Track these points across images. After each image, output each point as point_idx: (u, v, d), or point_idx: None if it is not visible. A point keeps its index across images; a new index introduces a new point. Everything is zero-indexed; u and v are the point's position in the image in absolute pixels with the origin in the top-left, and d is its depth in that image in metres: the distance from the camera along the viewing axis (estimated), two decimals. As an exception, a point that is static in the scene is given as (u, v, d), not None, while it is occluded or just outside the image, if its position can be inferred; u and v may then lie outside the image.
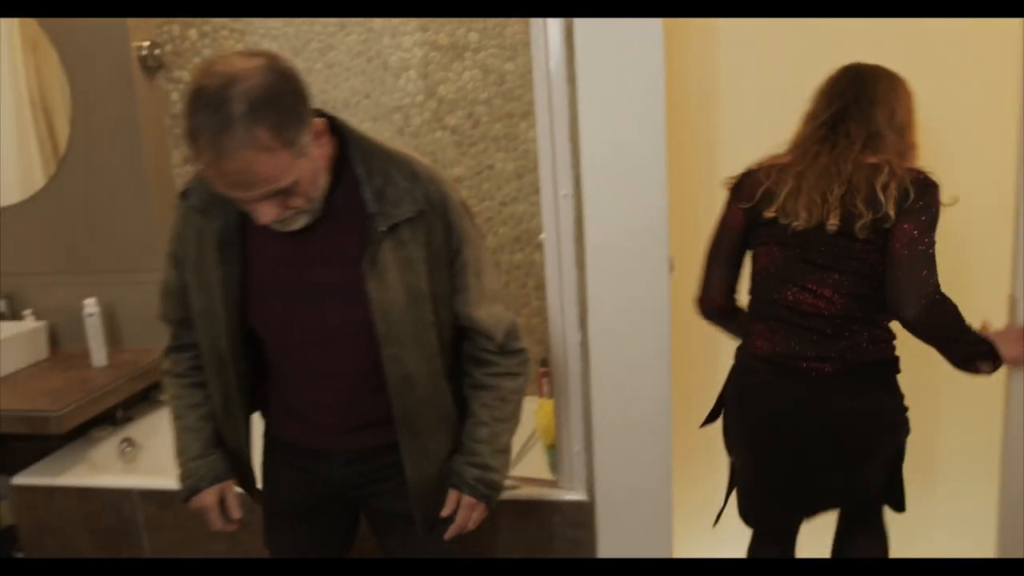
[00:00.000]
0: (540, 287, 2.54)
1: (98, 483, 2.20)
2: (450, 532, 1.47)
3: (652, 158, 1.74)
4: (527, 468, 2.15)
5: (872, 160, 1.63)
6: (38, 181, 2.62)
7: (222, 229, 1.33)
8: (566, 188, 1.85)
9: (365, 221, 1.30)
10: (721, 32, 2.23)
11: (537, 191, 2.44)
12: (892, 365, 1.71)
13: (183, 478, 1.47)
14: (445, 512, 1.46)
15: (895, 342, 1.71)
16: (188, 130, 1.11)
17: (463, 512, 1.47)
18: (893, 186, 1.57)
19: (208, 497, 1.46)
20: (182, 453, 1.48)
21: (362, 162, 1.30)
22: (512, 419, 1.50)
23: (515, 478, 2.05)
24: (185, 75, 2.60)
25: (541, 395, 2.55)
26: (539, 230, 2.46)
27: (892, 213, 1.57)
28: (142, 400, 2.71)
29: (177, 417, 1.49)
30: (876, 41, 2.10)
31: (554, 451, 2.04)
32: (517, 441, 2.29)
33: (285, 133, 1.13)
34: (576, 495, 1.99)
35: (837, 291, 1.64)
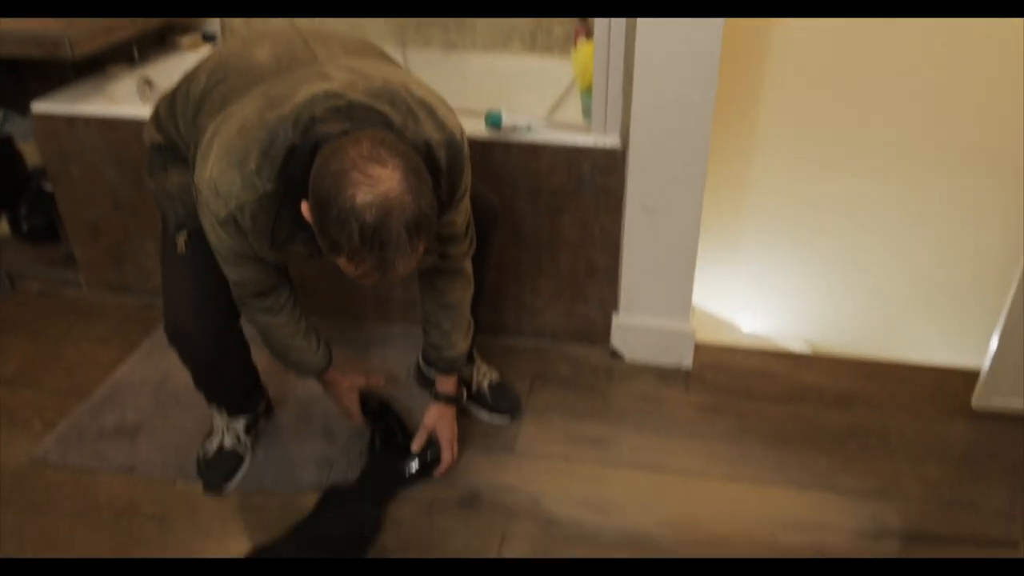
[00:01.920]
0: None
1: (120, 113, 2.15)
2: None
3: None
4: (560, 114, 2.07)
5: None
6: None
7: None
8: None
9: None
10: None
11: None
12: None
13: (312, 367, 1.66)
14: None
15: None
16: (350, 252, 1.16)
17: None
18: None
19: (350, 377, 1.81)
20: (304, 353, 1.62)
21: None
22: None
23: (547, 120, 1.98)
24: None
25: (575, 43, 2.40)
26: None
27: None
28: (158, 42, 2.60)
29: (289, 336, 1.58)
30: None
31: (590, 95, 1.94)
32: (554, 91, 2.22)
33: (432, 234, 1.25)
34: (609, 141, 1.92)
35: None
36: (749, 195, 2.65)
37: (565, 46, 2.50)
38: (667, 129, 1.83)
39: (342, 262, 1.19)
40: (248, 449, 1.82)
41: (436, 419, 1.76)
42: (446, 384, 1.77)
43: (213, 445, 1.80)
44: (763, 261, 2.79)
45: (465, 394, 1.90)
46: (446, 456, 1.77)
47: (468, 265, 1.63)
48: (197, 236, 1.45)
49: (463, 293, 1.65)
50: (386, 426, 1.82)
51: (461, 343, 1.70)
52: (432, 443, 1.77)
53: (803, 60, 2.35)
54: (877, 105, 2.37)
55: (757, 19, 2.27)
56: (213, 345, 1.60)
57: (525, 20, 2.50)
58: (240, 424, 1.81)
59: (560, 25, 2.49)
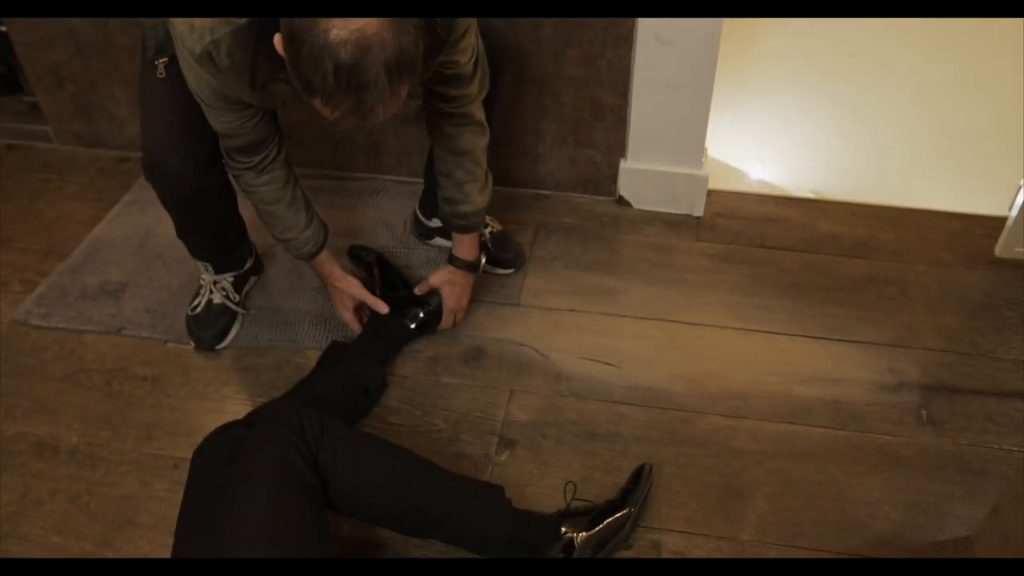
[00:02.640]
0: None
1: (71, -60, 1.92)
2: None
3: None
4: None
5: None
6: None
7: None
8: None
9: None
10: None
11: None
12: None
13: (300, 247, 1.54)
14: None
15: None
16: (324, 94, 1.03)
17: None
18: None
19: (325, 256, 1.60)
20: (290, 228, 1.51)
21: None
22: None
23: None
24: None
25: None
26: None
27: None
28: None
29: (273, 202, 1.47)
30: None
31: (599, -90, 1.73)
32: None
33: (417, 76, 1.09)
34: (621, -38, 1.72)
35: None
36: (759, 37, 2.47)
37: None
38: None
39: (317, 104, 1.07)
40: (240, 306, 1.74)
41: (444, 281, 1.66)
42: (463, 247, 1.63)
43: (201, 302, 1.71)
44: (772, 107, 2.64)
45: (483, 260, 1.74)
46: (446, 321, 1.68)
47: (479, 111, 1.47)
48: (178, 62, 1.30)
49: (475, 139, 1.50)
50: (385, 279, 1.72)
51: (477, 197, 1.56)
52: (436, 293, 1.68)
53: None
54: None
55: None
56: (193, 179, 1.47)
57: None
58: (228, 280, 1.72)
59: None
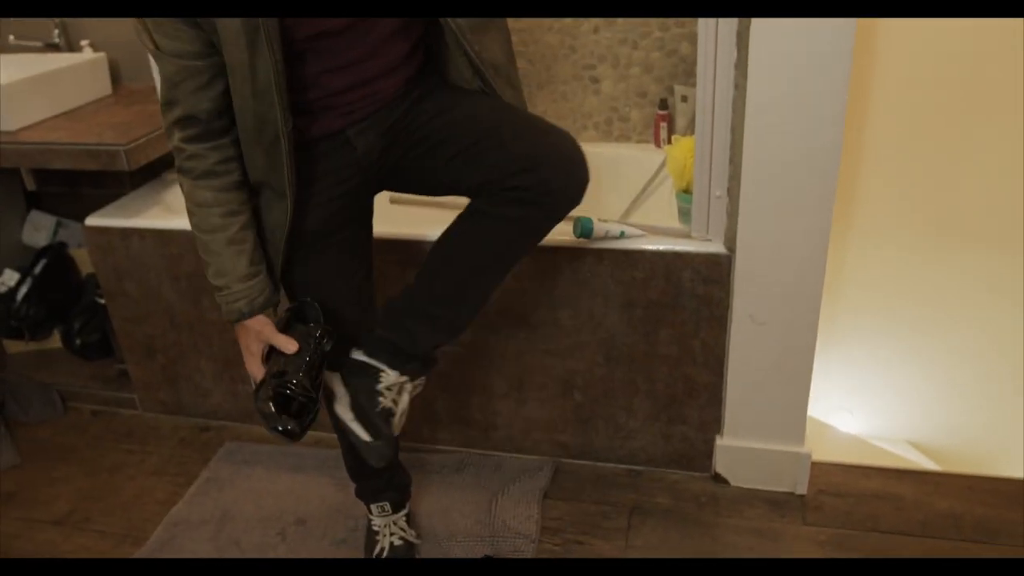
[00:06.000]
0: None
1: (176, 225, 2.02)
2: None
3: None
4: (651, 214, 1.88)
5: None
6: None
7: None
8: None
9: None
10: None
11: None
12: None
13: (231, 300, 1.28)
14: None
15: None
16: None
17: None
18: None
19: (262, 321, 1.29)
20: (224, 274, 1.28)
21: None
22: None
23: (639, 226, 1.80)
24: None
25: (657, 144, 2.25)
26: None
27: None
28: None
29: (212, 230, 1.26)
30: None
31: (688, 196, 1.76)
32: (634, 185, 2.02)
33: None
34: (713, 247, 1.73)
35: None
36: (843, 286, 2.44)
37: (644, 133, 2.33)
38: (782, 230, 1.63)
39: None
40: (415, 536, 1.73)
41: None
42: None
43: (384, 547, 1.67)
44: (859, 356, 2.56)
45: None
46: None
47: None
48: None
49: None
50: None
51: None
52: None
53: (899, 148, 2.17)
54: (981, 187, 2.18)
55: (854, 105, 2.09)
56: None
57: (600, 107, 2.34)
58: (402, 518, 1.71)
59: (638, 110, 2.32)
